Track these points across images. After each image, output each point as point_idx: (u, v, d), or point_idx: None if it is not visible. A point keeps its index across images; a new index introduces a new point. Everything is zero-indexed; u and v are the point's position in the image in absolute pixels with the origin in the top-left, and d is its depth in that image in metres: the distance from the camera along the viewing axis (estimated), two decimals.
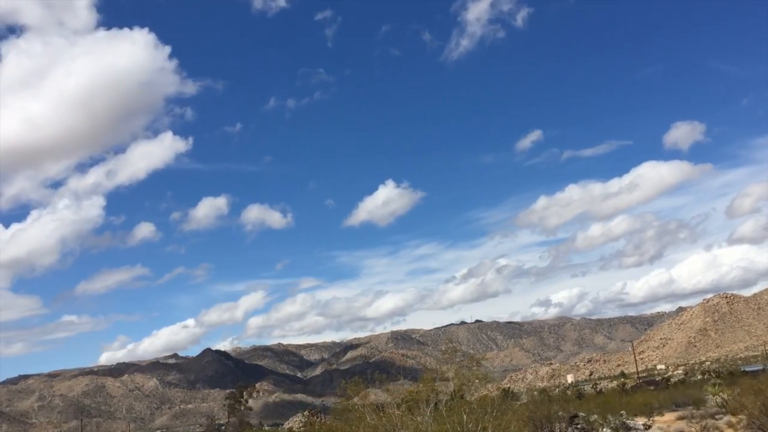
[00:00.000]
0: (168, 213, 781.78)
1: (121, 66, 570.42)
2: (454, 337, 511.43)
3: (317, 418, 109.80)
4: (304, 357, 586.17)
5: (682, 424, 48.82)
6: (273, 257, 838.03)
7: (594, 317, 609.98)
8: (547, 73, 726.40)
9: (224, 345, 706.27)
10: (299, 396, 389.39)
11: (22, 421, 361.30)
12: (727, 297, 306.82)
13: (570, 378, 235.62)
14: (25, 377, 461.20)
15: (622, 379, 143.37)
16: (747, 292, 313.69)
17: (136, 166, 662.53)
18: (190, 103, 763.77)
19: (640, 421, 51.27)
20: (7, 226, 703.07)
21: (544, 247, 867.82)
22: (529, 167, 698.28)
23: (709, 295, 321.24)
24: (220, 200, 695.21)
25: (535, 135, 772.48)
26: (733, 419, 43.89)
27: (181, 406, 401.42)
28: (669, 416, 55.38)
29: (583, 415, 49.74)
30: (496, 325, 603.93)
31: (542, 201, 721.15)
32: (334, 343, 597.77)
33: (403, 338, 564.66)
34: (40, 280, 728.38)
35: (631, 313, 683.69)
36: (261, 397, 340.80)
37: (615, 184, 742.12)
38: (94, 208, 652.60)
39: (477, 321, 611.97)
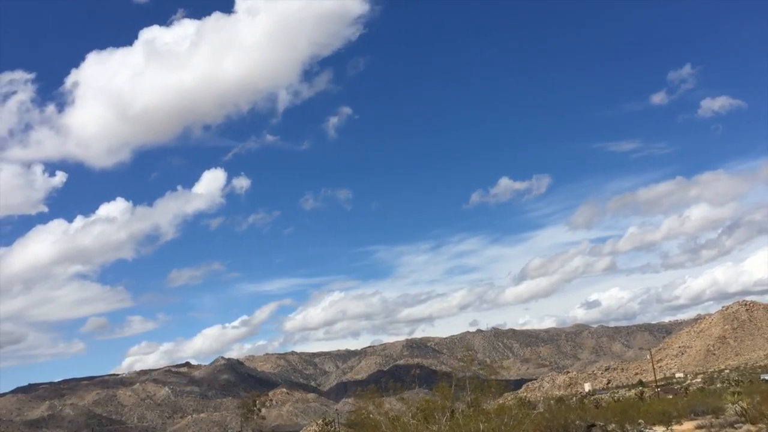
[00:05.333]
0: (296, 200, 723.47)
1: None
2: (469, 344, 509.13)
3: (331, 427, 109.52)
4: (319, 365, 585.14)
5: None
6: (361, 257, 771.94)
7: (612, 325, 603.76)
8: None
9: (250, 348, 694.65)
10: (313, 405, 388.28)
11: (32, 430, 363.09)
12: (746, 304, 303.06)
13: (587, 386, 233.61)
14: (36, 386, 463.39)
15: (641, 388, 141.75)
16: None
17: (287, 144, 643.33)
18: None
19: (658, 430, 50.73)
20: (151, 204, 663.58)
21: (606, 241, 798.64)
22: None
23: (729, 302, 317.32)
24: (345, 191, 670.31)
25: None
26: (753, 428, 43.28)
27: (194, 416, 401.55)
28: (688, 425, 54.68)
29: (601, 424, 49.26)
30: (512, 333, 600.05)
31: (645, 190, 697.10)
32: (348, 351, 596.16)
33: (418, 346, 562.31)
34: (135, 269, 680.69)
35: (681, 314, 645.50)
36: (274, 405, 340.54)
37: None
38: (238, 188, 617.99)
39: (493, 328, 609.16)
